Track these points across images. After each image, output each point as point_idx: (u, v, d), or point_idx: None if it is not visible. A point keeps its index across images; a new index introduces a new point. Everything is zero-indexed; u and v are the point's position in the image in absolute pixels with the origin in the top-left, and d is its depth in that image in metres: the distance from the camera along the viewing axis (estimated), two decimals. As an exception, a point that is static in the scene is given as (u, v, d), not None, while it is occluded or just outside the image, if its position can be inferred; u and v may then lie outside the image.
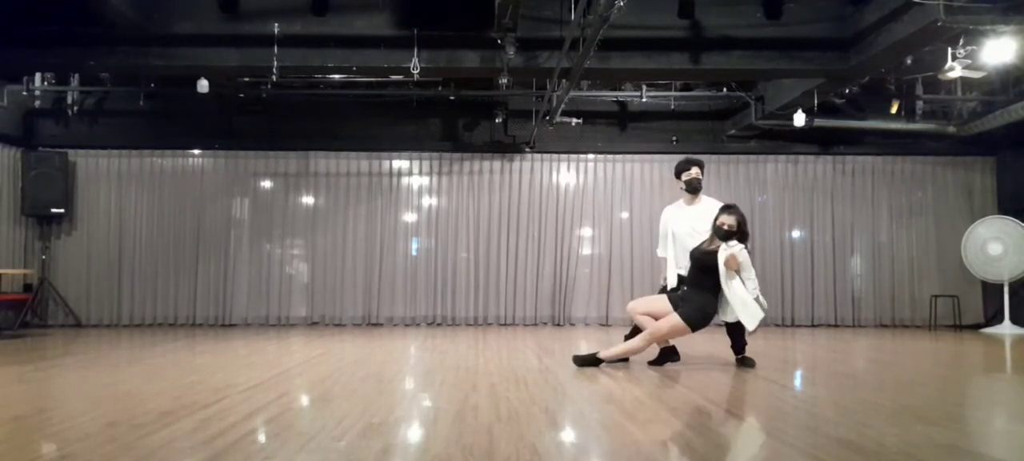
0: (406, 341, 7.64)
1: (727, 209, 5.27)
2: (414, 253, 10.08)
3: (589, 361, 5.40)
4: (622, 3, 5.08)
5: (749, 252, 5.23)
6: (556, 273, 10.05)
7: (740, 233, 5.19)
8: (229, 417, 3.41)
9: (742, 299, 5.09)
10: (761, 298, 5.15)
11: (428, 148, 10.12)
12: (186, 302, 9.79)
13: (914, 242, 10.20)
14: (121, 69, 8.42)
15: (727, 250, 5.11)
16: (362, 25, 6.93)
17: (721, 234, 5.19)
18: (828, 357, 6.51)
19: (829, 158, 10.26)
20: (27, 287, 9.49)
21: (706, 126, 10.28)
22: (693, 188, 5.68)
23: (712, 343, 7.49)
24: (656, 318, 5.29)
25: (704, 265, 5.23)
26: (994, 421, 3.88)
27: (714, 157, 10.21)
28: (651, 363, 5.52)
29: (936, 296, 9.92)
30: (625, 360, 5.70)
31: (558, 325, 9.89)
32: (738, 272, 5.10)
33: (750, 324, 5.10)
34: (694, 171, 5.67)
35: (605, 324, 9.92)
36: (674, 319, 5.19)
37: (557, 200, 10.15)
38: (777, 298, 10.06)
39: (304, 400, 4.07)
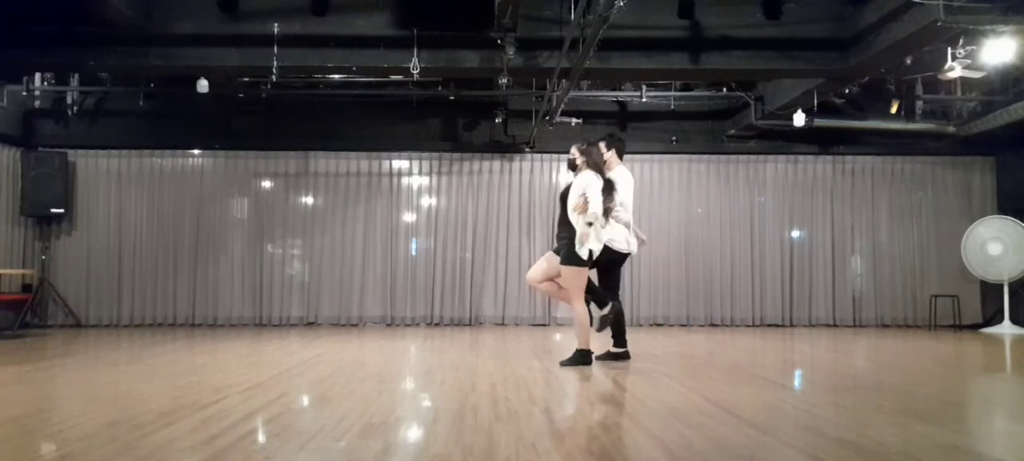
0: (405, 341, 7.64)
1: (577, 144, 5.47)
2: (414, 253, 10.08)
3: (579, 360, 5.38)
4: (622, 3, 5.08)
5: (612, 198, 5.27)
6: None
7: (594, 166, 5.33)
8: (229, 417, 3.41)
9: (583, 231, 5.19)
10: (601, 237, 5.21)
11: (428, 148, 10.12)
12: (186, 302, 9.78)
13: (914, 242, 10.21)
14: (121, 69, 8.42)
15: (580, 187, 5.26)
16: (362, 25, 6.93)
17: (570, 166, 5.45)
18: (828, 357, 6.51)
19: (829, 158, 10.26)
20: (27, 287, 9.49)
21: (706, 126, 10.28)
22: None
23: (711, 343, 7.50)
24: (553, 278, 5.44)
25: (563, 197, 5.43)
26: (994, 421, 3.88)
27: (714, 157, 10.24)
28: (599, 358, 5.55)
29: (936, 296, 9.92)
30: (622, 356, 5.67)
31: (559, 325, 9.89)
32: (581, 214, 5.19)
33: (582, 252, 5.19)
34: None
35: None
36: (563, 271, 5.31)
37: (557, 200, 10.12)
38: (777, 298, 10.07)
39: (304, 400, 4.07)
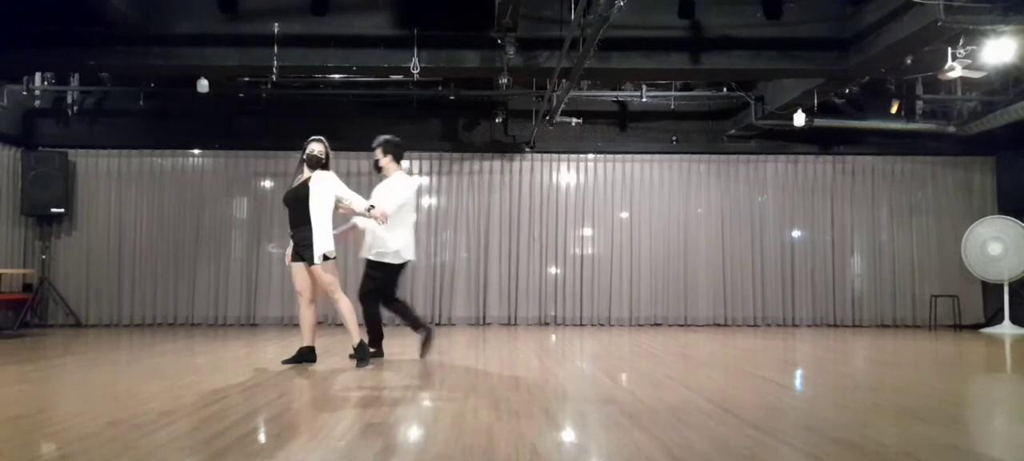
0: (405, 341, 7.63)
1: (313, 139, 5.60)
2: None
3: (362, 353, 5.39)
4: (622, 3, 5.08)
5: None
6: (556, 273, 10.05)
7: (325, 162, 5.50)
8: (229, 417, 3.41)
9: (322, 227, 5.27)
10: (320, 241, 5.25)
11: (428, 148, 10.12)
12: (186, 302, 9.78)
13: (914, 242, 10.20)
14: (121, 69, 8.41)
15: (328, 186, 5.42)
16: (362, 25, 6.93)
17: (311, 163, 5.54)
18: (828, 357, 6.51)
19: (829, 158, 10.26)
20: (27, 287, 9.49)
21: (706, 126, 10.28)
22: (375, 167, 5.98)
23: (711, 343, 7.49)
24: (311, 287, 5.39)
25: (298, 198, 5.42)
26: (994, 421, 3.88)
27: (714, 157, 10.24)
28: (285, 361, 5.54)
29: (936, 296, 9.92)
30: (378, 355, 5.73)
31: (558, 325, 9.89)
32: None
33: (317, 255, 5.19)
34: (376, 152, 5.93)
35: (606, 324, 9.92)
36: (316, 273, 5.27)
37: (557, 200, 10.14)
38: (777, 298, 10.07)
39: (304, 400, 4.07)
